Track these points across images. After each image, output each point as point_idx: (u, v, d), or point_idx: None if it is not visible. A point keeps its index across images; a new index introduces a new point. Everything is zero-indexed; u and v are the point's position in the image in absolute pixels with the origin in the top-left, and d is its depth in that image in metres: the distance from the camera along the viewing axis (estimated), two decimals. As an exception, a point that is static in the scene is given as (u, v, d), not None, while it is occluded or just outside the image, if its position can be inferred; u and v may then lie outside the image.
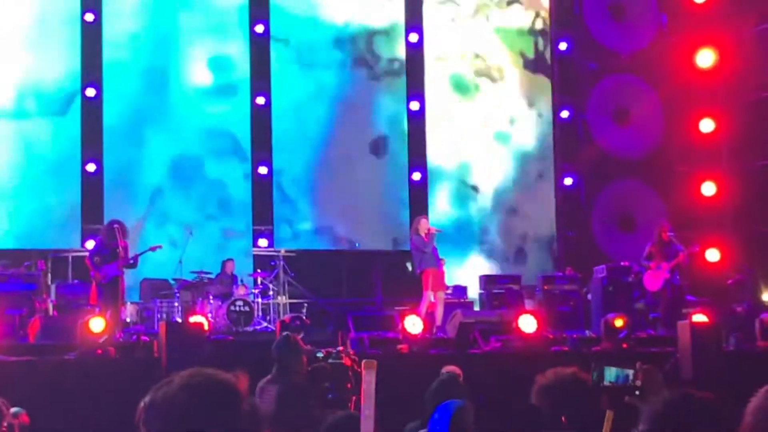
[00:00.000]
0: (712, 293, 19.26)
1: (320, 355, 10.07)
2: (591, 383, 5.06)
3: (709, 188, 22.42)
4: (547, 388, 5.51)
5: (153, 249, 17.09)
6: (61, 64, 21.33)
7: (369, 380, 3.41)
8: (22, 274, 17.27)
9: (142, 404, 3.20)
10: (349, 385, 9.82)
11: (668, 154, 22.60)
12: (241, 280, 19.75)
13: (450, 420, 6.07)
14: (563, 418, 5.39)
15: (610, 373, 4.16)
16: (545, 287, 19.74)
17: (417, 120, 23.01)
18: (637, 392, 4.01)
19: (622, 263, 19.53)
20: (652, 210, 21.70)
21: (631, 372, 4.08)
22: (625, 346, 16.06)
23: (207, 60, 22.17)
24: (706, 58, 22.50)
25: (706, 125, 22.54)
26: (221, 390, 3.17)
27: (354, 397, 9.94)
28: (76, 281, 18.27)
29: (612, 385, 4.05)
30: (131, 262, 16.64)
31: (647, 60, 22.80)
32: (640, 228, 21.79)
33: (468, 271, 21.89)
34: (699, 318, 16.46)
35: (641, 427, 3.59)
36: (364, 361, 3.49)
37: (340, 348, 10.56)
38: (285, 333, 11.38)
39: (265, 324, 18.81)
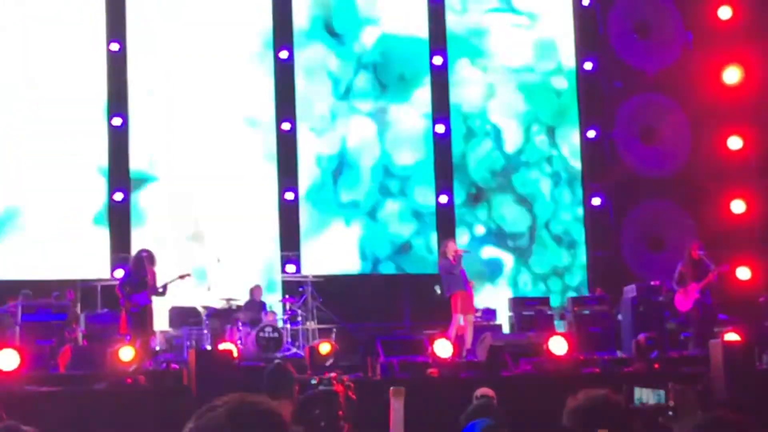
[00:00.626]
0: (744, 312, 19.11)
1: (314, 382, 10.01)
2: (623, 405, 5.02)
3: (738, 206, 22.30)
4: (578, 410, 5.45)
5: (182, 278, 17.10)
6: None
7: (397, 407, 3.38)
8: (52, 305, 17.30)
9: (186, 431, 3.18)
10: (340, 413, 9.75)
11: (697, 172, 22.49)
12: (270, 306, 19.76)
13: None
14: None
15: (641, 395, 4.11)
16: (575, 309, 19.63)
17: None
18: (670, 413, 3.96)
19: (652, 282, 19.41)
20: (682, 229, 21.59)
21: (662, 393, 4.02)
22: (656, 366, 15.96)
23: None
24: (732, 75, 22.43)
25: (734, 143, 22.44)
26: (266, 418, 3.16)
27: (347, 426, 9.88)
28: (105, 310, 18.29)
29: (644, 407, 4.00)
30: (160, 290, 16.71)
31: (673, 78, 22.73)
32: (669, 247, 21.67)
33: (497, 294, 21.85)
34: (731, 337, 16.35)
35: None
36: (392, 388, 3.47)
37: (333, 375, 10.45)
38: (276, 361, 11.33)
39: (294, 350, 18.78)
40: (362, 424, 9.06)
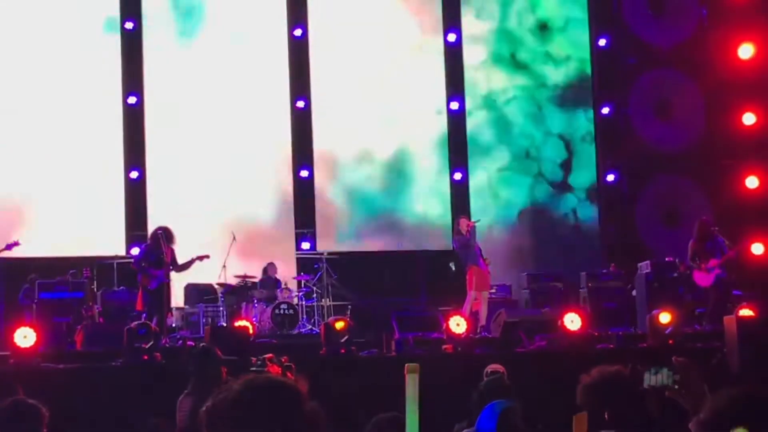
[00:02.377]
0: (758, 287, 19.10)
1: (252, 362, 9.96)
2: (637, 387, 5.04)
3: (752, 181, 22.25)
4: (591, 387, 5.50)
5: (201, 258, 17.18)
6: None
7: (412, 384, 3.41)
8: (68, 282, 17.39)
9: (204, 409, 3.23)
10: None
11: (711, 148, 22.45)
12: (285, 284, 19.83)
13: (498, 420, 6.06)
14: (606, 416, 5.38)
15: (649, 379, 4.13)
16: (589, 284, 19.64)
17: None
18: (676, 386, 3.99)
19: (666, 258, 19.40)
20: (696, 204, 21.58)
21: (670, 373, 4.05)
22: (671, 342, 15.97)
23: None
24: (747, 50, 22.34)
25: (749, 118, 22.39)
26: (283, 391, 3.20)
27: None
28: (122, 288, 18.38)
29: (652, 387, 4.02)
30: (178, 268, 16.86)
31: (688, 53, 22.66)
32: (684, 223, 21.63)
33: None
34: (745, 312, 16.35)
35: (703, 416, 3.58)
36: (406, 365, 3.49)
37: (268, 356, 10.38)
38: (202, 344, 11.33)
39: (309, 327, 18.86)
40: (377, 399, 9.10)
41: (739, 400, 3.54)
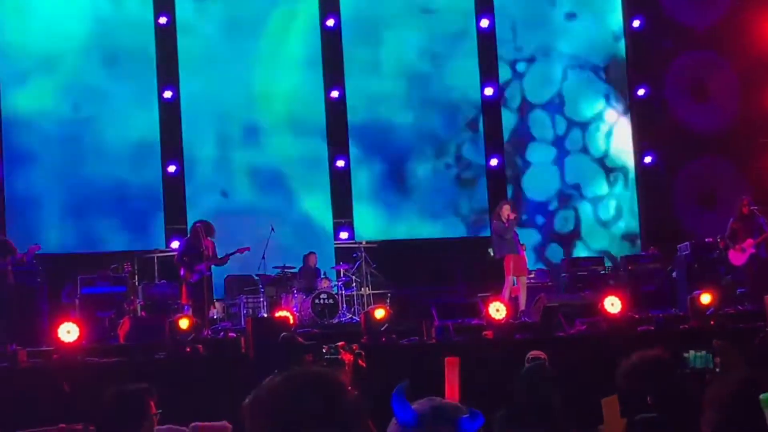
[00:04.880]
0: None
1: (324, 351, 10.01)
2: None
3: (790, 159, 22.16)
4: (632, 371, 5.51)
5: (241, 251, 17.37)
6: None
7: (452, 377, 3.44)
8: (110, 277, 17.53)
9: (246, 401, 3.26)
10: (346, 380, 9.75)
11: (747, 128, 22.34)
12: (324, 273, 19.91)
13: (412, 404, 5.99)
14: (648, 400, 5.40)
15: (691, 358, 4.15)
16: (629, 267, 19.61)
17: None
18: (717, 369, 4.01)
19: (706, 240, 19.33)
20: (734, 185, 21.47)
21: (710, 356, 4.07)
22: (713, 323, 15.92)
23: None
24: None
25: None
26: (324, 382, 3.23)
27: (355, 393, 9.82)
28: (163, 281, 18.52)
29: (693, 371, 4.05)
30: (220, 260, 17.00)
31: (722, 34, 22.55)
32: (721, 203, 21.55)
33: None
34: (786, 291, 16.25)
35: (707, 415, 3.57)
36: (446, 358, 3.51)
37: (341, 343, 10.43)
38: (283, 334, 11.36)
39: (350, 316, 18.92)
40: (418, 387, 9.15)
41: (747, 384, 3.54)
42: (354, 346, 10.55)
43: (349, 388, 9.36)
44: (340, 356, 9.89)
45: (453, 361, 3.55)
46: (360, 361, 9.78)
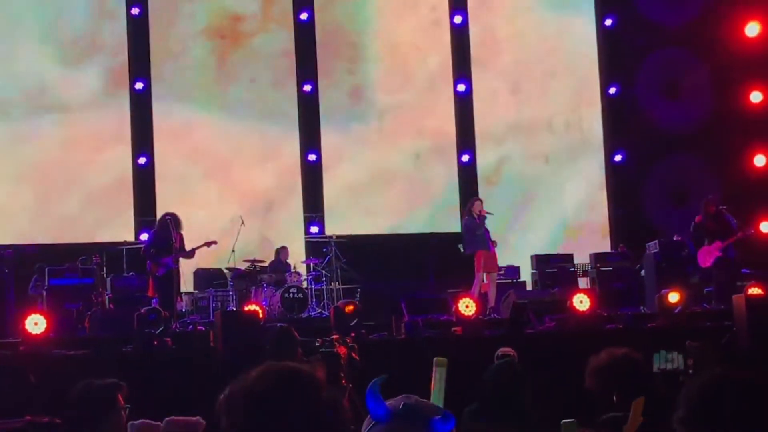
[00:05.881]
0: (767, 265, 19.08)
1: (317, 344, 10.02)
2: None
3: (760, 160, 22.24)
4: (600, 369, 5.51)
5: (208, 245, 17.28)
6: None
7: (439, 377, 3.42)
8: (78, 269, 17.44)
9: (221, 396, 3.25)
10: (342, 373, 9.74)
11: (719, 127, 22.40)
12: (294, 267, 19.86)
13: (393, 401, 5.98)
14: (615, 398, 5.40)
15: (659, 362, 4.14)
16: (598, 265, 19.67)
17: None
18: (690, 371, 4.00)
19: (675, 238, 19.41)
20: (705, 184, 21.54)
21: (681, 357, 4.06)
22: (680, 321, 15.98)
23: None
24: (753, 28, 22.31)
25: (756, 96, 22.36)
26: (299, 378, 3.22)
27: (349, 385, 9.87)
28: (131, 274, 18.43)
29: (663, 372, 4.04)
30: (187, 253, 16.91)
31: (695, 32, 22.59)
32: (692, 202, 21.63)
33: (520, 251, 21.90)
34: (754, 291, 16.35)
35: (679, 412, 3.57)
36: (435, 358, 3.50)
37: (334, 336, 10.43)
38: (279, 324, 11.37)
39: (319, 310, 18.90)
40: (387, 382, 9.15)
41: (711, 384, 3.54)
42: (348, 339, 10.57)
43: (344, 381, 9.33)
44: (335, 349, 9.92)
45: (442, 362, 3.52)
46: (353, 354, 9.80)
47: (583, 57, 23.77)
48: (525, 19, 23.70)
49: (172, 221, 16.77)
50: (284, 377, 3.21)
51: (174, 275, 16.72)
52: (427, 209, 22.85)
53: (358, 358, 10.55)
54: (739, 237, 17.95)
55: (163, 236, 16.75)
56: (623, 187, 23.29)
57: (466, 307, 15.72)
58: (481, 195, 20.55)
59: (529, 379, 7.06)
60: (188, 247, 17.11)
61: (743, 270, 18.56)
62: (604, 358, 5.57)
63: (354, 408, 3.99)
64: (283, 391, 3.17)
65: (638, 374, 5.36)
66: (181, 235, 16.88)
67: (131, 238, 20.29)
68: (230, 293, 18.94)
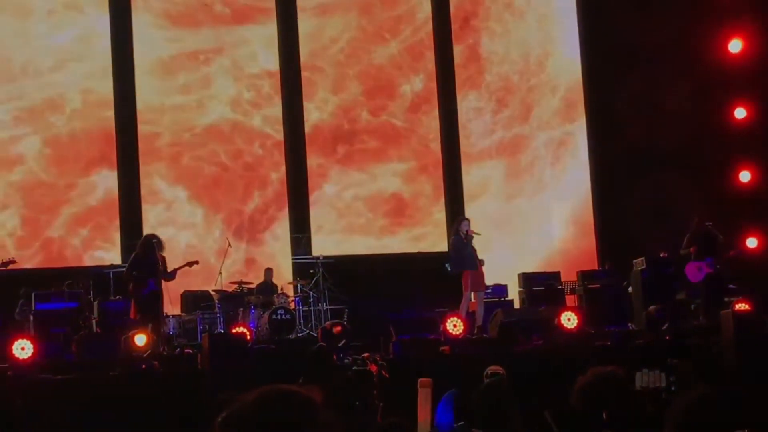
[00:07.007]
0: (753, 281, 19.14)
1: (347, 361, 10.04)
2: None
3: (745, 176, 22.31)
4: (586, 388, 5.51)
5: (189, 264, 17.09)
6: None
7: (424, 398, 3.44)
8: (65, 293, 17.38)
9: (217, 421, 3.23)
10: (375, 392, 9.75)
11: (703, 144, 22.47)
12: (281, 289, 19.83)
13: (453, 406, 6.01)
14: (604, 415, 5.40)
15: (641, 380, 4.16)
16: (585, 283, 19.69)
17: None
18: (672, 388, 4.02)
19: (660, 255, 19.44)
20: (689, 200, 21.59)
21: (663, 375, 4.08)
22: (667, 338, 16.01)
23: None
24: (736, 45, 22.41)
25: (740, 112, 22.45)
26: (296, 402, 3.21)
27: (381, 404, 9.89)
28: (118, 297, 18.34)
29: (645, 390, 4.05)
30: (168, 274, 16.75)
31: (679, 49, 22.67)
32: (677, 219, 21.67)
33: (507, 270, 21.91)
34: (741, 306, 16.40)
35: (665, 430, 3.58)
36: (419, 380, 3.52)
37: (365, 354, 10.46)
38: (318, 345, 11.38)
39: (307, 331, 18.86)
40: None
41: (698, 402, 3.55)
42: (377, 357, 10.57)
43: (376, 401, 9.31)
44: (368, 367, 9.95)
45: (425, 383, 3.54)
46: (384, 372, 9.81)
47: (568, 75, 23.83)
48: (509, 38, 23.76)
49: (157, 243, 16.64)
50: (279, 400, 3.20)
51: (158, 297, 16.56)
52: (414, 229, 22.84)
53: (388, 375, 10.53)
54: (731, 255, 18.02)
55: (145, 258, 16.50)
56: (609, 204, 23.31)
57: (454, 326, 15.75)
58: (467, 214, 20.55)
59: (517, 397, 7.05)
60: (170, 268, 16.90)
61: (730, 286, 18.61)
62: (590, 377, 5.57)
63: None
64: (280, 413, 3.16)
65: (625, 392, 5.37)
66: (163, 257, 16.69)
67: (118, 261, 20.21)
68: (218, 315, 18.88)
